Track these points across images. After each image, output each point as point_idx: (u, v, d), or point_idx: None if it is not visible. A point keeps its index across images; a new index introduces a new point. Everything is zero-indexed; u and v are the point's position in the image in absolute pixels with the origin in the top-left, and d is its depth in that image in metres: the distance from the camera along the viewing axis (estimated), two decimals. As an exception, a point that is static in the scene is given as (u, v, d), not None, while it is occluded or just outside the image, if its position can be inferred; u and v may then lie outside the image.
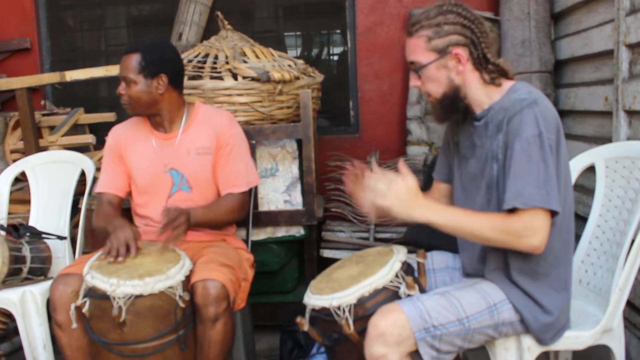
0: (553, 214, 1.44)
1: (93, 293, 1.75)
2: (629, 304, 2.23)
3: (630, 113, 2.28)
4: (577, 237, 1.95)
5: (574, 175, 1.98)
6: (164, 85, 2.07)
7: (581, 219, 2.56)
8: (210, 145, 2.14)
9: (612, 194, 1.85)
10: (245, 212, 2.23)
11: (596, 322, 1.67)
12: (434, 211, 1.48)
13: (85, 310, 1.74)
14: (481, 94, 1.59)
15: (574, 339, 1.63)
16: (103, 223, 2.01)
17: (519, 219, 1.43)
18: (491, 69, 1.58)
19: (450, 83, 1.58)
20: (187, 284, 1.83)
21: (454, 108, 1.61)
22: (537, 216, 1.42)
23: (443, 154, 1.84)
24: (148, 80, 2.05)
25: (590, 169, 1.96)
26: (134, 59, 2.05)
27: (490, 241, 1.48)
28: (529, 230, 1.42)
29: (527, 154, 1.44)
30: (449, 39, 1.54)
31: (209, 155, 2.14)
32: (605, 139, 2.47)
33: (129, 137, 2.20)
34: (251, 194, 2.50)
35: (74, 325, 1.80)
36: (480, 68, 1.57)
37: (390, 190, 1.47)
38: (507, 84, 1.59)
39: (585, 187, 2.58)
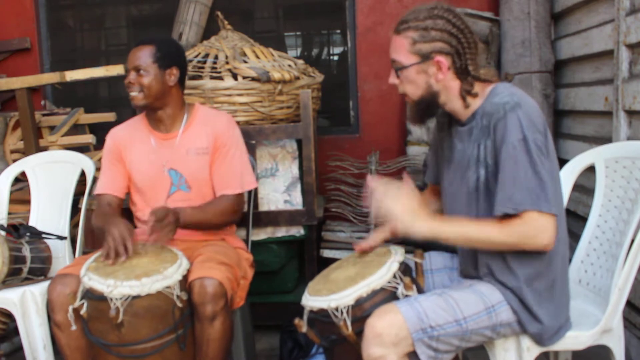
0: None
1: (90, 294, 1.75)
2: (629, 303, 2.23)
3: (630, 113, 2.28)
4: (577, 237, 1.95)
5: (574, 175, 1.98)
6: (175, 78, 2.13)
7: (581, 219, 2.57)
8: (207, 145, 2.15)
9: (612, 194, 1.84)
10: (240, 214, 2.22)
11: (596, 322, 1.66)
12: (439, 223, 1.50)
13: (83, 312, 1.75)
14: (462, 102, 1.58)
15: (573, 339, 1.63)
16: (101, 222, 2.00)
17: (522, 221, 1.44)
18: (470, 82, 1.57)
19: (428, 88, 1.57)
20: (185, 284, 1.83)
21: (429, 112, 1.62)
22: (537, 216, 1.43)
23: (433, 157, 1.84)
24: (161, 71, 2.10)
25: (590, 169, 1.95)
26: (149, 50, 2.09)
27: (500, 246, 1.48)
28: (535, 230, 1.43)
29: (514, 159, 1.45)
30: (434, 46, 1.53)
31: (207, 155, 2.15)
32: (605, 139, 2.47)
33: (127, 138, 2.21)
34: (251, 195, 2.50)
35: (73, 327, 1.80)
36: (462, 78, 1.56)
37: (396, 208, 1.50)
38: (488, 87, 1.58)
39: (585, 187, 2.58)
